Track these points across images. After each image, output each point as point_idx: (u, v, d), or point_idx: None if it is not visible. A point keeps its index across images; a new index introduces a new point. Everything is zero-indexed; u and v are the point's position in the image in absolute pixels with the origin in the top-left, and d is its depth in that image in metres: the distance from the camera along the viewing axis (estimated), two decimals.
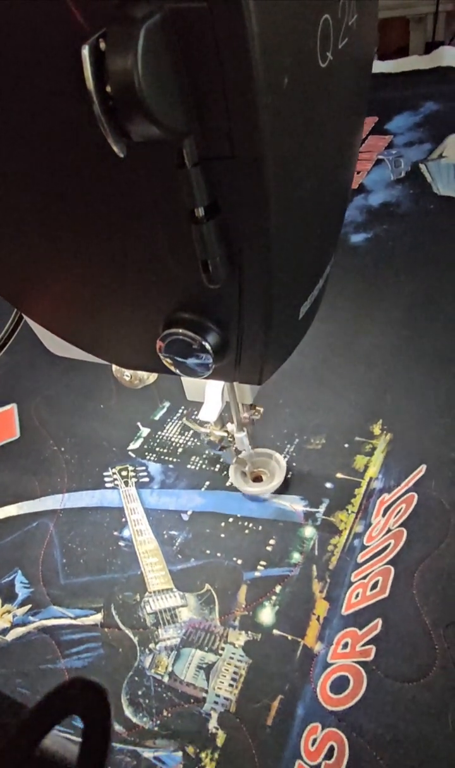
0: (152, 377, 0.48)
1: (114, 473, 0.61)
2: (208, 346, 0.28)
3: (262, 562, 0.51)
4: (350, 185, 0.36)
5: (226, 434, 0.50)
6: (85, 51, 0.17)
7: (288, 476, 0.56)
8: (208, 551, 0.53)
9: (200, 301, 0.27)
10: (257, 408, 0.49)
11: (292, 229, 0.25)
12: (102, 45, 0.17)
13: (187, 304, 0.28)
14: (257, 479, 0.56)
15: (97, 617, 0.50)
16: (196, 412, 0.59)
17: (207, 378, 0.31)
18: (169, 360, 0.30)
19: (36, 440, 0.66)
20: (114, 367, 0.45)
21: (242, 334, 0.28)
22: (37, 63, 0.20)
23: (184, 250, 0.24)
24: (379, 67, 1.21)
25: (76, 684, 0.24)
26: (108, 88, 0.17)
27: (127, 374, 0.46)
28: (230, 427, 0.50)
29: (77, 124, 0.21)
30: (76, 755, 0.23)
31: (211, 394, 0.45)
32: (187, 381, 0.47)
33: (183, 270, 0.25)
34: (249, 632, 0.47)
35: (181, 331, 0.28)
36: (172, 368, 0.30)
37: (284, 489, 0.56)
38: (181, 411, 0.65)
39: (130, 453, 0.62)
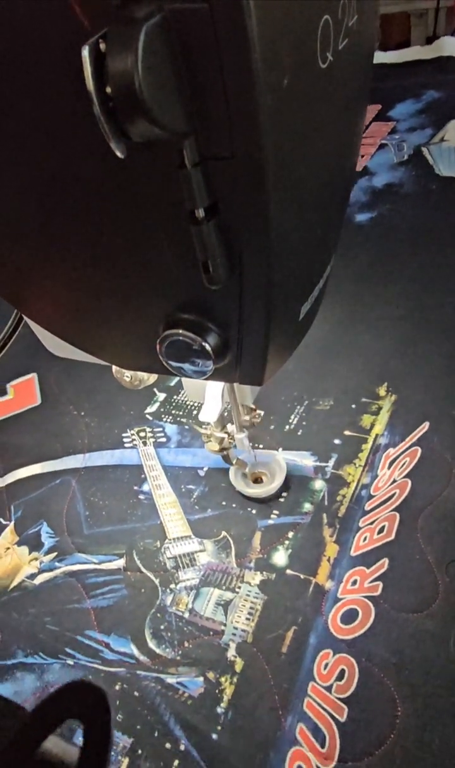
0: (152, 378, 0.47)
1: (132, 434, 0.64)
2: (208, 347, 0.28)
3: (275, 512, 0.54)
4: (351, 185, 0.36)
5: (226, 435, 0.51)
6: (86, 52, 0.17)
7: (298, 434, 0.60)
8: (223, 502, 0.56)
9: (200, 302, 0.27)
10: (257, 411, 0.50)
11: (292, 229, 0.25)
12: (102, 46, 0.17)
13: (187, 304, 0.28)
14: (257, 480, 0.57)
15: (120, 562, 0.54)
16: None
17: (207, 379, 0.31)
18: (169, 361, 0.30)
19: (56, 406, 0.69)
20: (114, 367, 0.45)
21: (242, 335, 0.28)
22: (37, 63, 0.20)
23: (184, 251, 0.24)
24: (382, 57, 1.25)
25: (76, 687, 0.24)
26: (108, 89, 0.17)
27: (127, 375, 0.47)
28: (230, 428, 0.51)
29: (77, 125, 0.21)
30: (76, 758, 0.23)
31: (211, 395, 0.46)
32: (187, 382, 0.48)
33: (183, 271, 0.25)
34: (264, 572, 0.50)
35: (181, 331, 0.28)
36: (172, 369, 0.30)
37: (294, 446, 0.59)
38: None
39: (147, 416, 0.66)
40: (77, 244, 0.27)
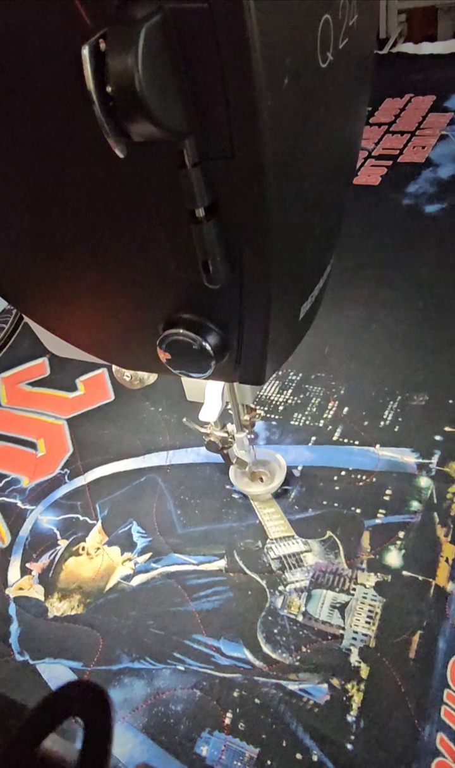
0: (152, 377, 0.47)
1: None
2: (208, 347, 0.28)
3: (382, 511, 0.52)
4: (351, 185, 0.35)
5: (226, 435, 0.50)
6: (86, 51, 0.17)
7: (395, 430, 0.57)
8: (324, 502, 0.54)
9: (200, 302, 0.27)
10: (257, 411, 0.50)
11: (292, 228, 0.25)
12: (102, 45, 0.17)
13: (187, 304, 0.28)
14: (258, 480, 0.56)
15: (221, 563, 0.51)
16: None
17: (207, 378, 0.31)
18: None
19: (131, 401, 0.67)
20: (114, 367, 0.44)
21: (242, 335, 0.28)
22: (38, 63, 0.20)
23: (184, 251, 0.24)
24: (430, 48, 1.23)
25: (76, 686, 0.24)
26: (108, 89, 0.17)
27: (127, 375, 0.46)
28: (230, 427, 0.50)
29: (78, 125, 0.21)
30: (77, 756, 0.23)
31: (211, 395, 0.45)
32: (187, 381, 0.47)
33: (183, 270, 0.25)
34: (379, 574, 0.48)
35: (181, 331, 0.28)
36: (172, 368, 0.30)
37: (392, 442, 0.57)
38: (278, 371, 0.66)
39: (229, 412, 0.63)
40: (77, 243, 0.27)
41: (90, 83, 0.17)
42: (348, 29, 0.23)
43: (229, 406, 0.47)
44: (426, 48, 1.22)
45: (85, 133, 0.21)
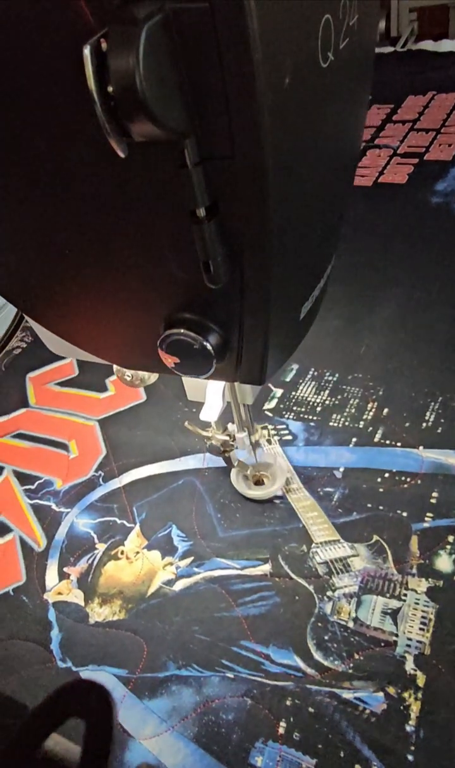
0: (153, 377, 0.47)
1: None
2: (209, 346, 0.28)
3: (429, 514, 0.51)
4: (351, 185, 0.35)
5: (227, 437, 0.50)
6: (87, 51, 0.17)
7: (438, 431, 0.57)
8: (369, 505, 0.53)
9: (201, 301, 0.27)
10: (261, 432, 0.50)
11: (293, 229, 0.25)
12: (104, 45, 0.17)
13: (188, 304, 0.28)
14: (259, 482, 0.56)
15: (265, 567, 0.50)
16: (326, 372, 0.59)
17: (208, 378, 0.30)
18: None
19: (163, 402, 0.66)
20: (115, 366, 0.44)
21: (243, 334, 0.28)
22: (39, 63, 0.20)
23: (184, 250, 0.24)
24: (450, 45, 1.22)
25: (79, 686, 0.25)
26: (109, 88, 0.17)
27: (128, 374, 0.46)
28: (231, 427, 0.50)
29: (79, 125, 0.21)
30: (78, 756, 0.23)
31: (211, 395, 0.45)
32: (187, 381, 0.47)
33: (184, 270, 0.25)
34: (430, 579, 0.47)
35: (182, 331, 0.28)
36: (173, 368, 0.30)
37: (436, 444, 0.56)
38: (312, 372, 0.65)
39: (266, 413, 0.62)
40: (78, 243, 0.27)
41: (91, 83, 0.17)
42: (349, 29, 0.23)
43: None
44: (446, 45, 1.21)
45: (86, 133, 0.21)
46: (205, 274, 0.24)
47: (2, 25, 0.20)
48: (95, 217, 0.25)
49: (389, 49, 1.28)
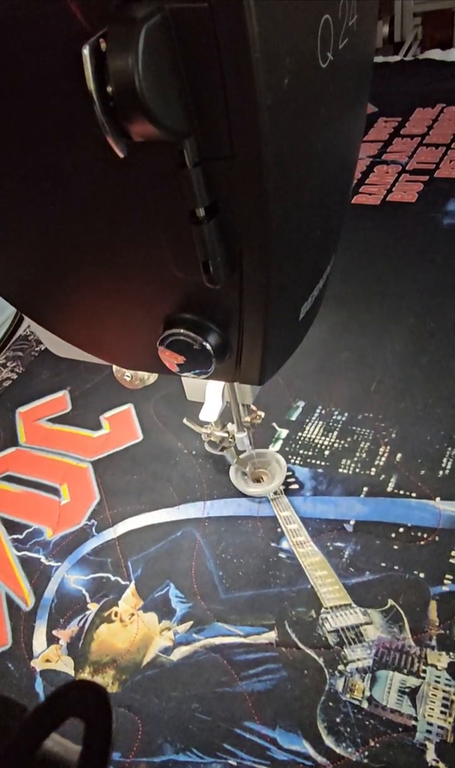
0: (152, 377, 0.47)
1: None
2: (208, 347, 0.28)
3: (449, 576, 0.47)
4: (350, 185, 0.35)
5: (226, 435, 0.50)
6: (86, 51, 0.17)
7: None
8: (382, 564, 0.49)
9: (201, 302, 0.27)
10: (258, 412, 0.49)
11: (292, 229, 0.25)
12: (103, 45, 0.17)
13: (188, 304, 0.28)
14: (257, 480, 0.56)
15: (271, 635, 0.46)
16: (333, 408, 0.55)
17: (207, 378, 0.30)
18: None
19: (161, 443, 0.62)
20: (114, 367, 0.44)
21: (242, 335, 0.28)
22: (38, 63, 0.20)
23: (184, 251, 0.24)
24: None
25: (77, 686, 0.24)
26: (109, 89, 0.17)
27: (127, 374, 0.46)
28: (230, 427, 0.50)
29: (78, 125, 0.21)
30: (77, 757, 0.23)
31: (211, 395, 0.45)
32: (187, 381, 0.47)
33: (183, 270, 0.25)
34: (451, 653, 0.43)
35: (182, 331, 0.28)
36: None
37: (448, 491, 0.52)
38: (319, 410, 0.61)
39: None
40: (77, 243, 0.27)
41: (90, 83, 0.17)
42: (348, 29, 0.23)
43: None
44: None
45: (86, 133, 0.21)
46: (204, 274, 0.24)
47: (2, 25, 0.20)
48: (95, 218, 0.25)
49: (395, 59, 1.24)
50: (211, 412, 0.45)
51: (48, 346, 0.43)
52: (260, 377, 0.31)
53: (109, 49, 0.17)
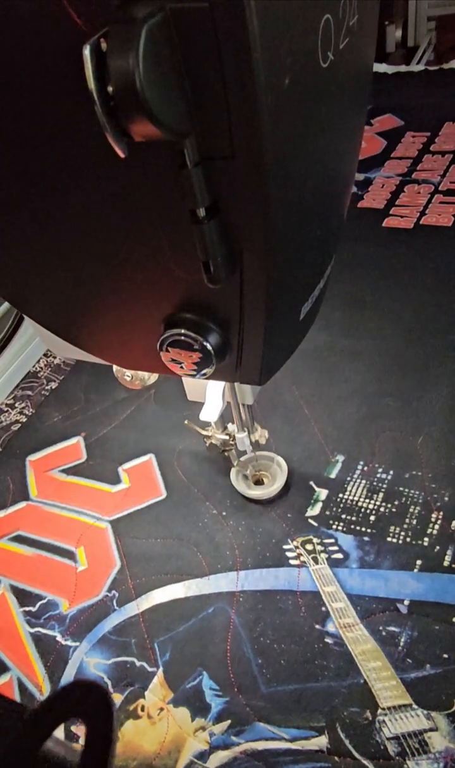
0: (153, 377, 0.48)
1: (297, 546, 0.51)
2: (209, 347, 0.28)
3: None
4: (351, 185, 0.34)
5: (227, 437, 0.50)
6: (87, 51, 0.17)
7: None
8: (445, 655, 0.43)
9: (201, 302, 0.27)
10: (261, 432, 0.50)
11: (293, 229, 0.25)
12: (103, 45, 0.17)
13: (188, 304, 0.28)
14: (258, 482, 0.56)
15: (321, 741, 0.41)
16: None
17: (208, 378, 0.31)
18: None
19: (188, 501, 0.57)
20: (115, 367, 0.45)
21: (243, 335, 0.28)
22: (39, 63, 0.20)
23: (185, 251, 0.24)
24: None
25: (78, 686, 0.24)
26: (109, 89, 0.17)
27: (127, 374, 0.47)
28: (231, 427, 0.50)
29: (79, 125, 0.21)
30: (78, 757, 0.23)
31: (211, 395, 0.45)
32: (187, 381, 0.47)
33: (184, 270, 0.25)
34: None
35: (182, 331, 0.28)
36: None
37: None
38: (360, 467, 0.55)
39: (310, 521, 0.53)
40: (78, 243, 0.27)
41: (91, 83, 0.17)
42: (349, 29, 0.23)
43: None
44: None
45: (86, 133, 0.21)
46: (205, 274, 0.24)
47: (2, 25, 0.19)
48: (95, 217, 0.25)
49: (418, 68, 1.18)
50: (211, 412, 0.45)
51: (49, 347, 0.43)
52: (260, 377, 0.31)
53: (109, 48, 0.17)
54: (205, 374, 0.30)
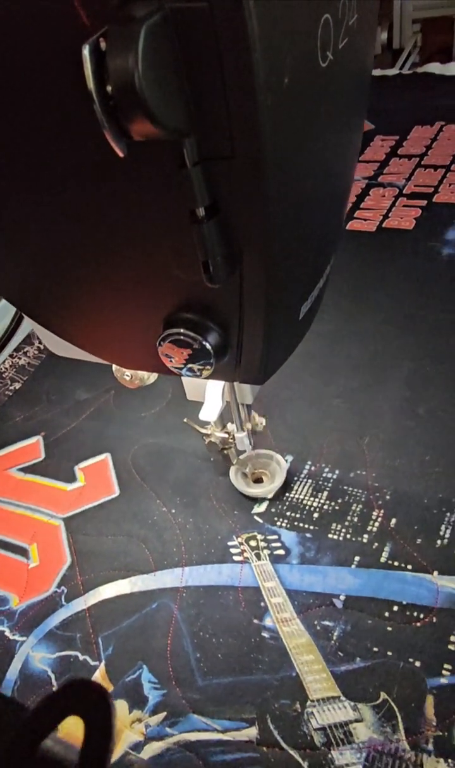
0: (152, 377, 0.48)
1: (241, 542, 0.52)
2: (208, 346, 0.28)
3: (447, 666, 0.43)
4: (350, 185, 0.35)
5: (226, 435, 0.50)
6: (86, 51, 0.17)
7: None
8: (375, 649, 0.44)
9: (201, 301, 0.27)
10: (258, 420, 0.50)
11: (292, 229, 0.25)
12: (103, 44, 0.17)
13: (188, 303, 0.28)
14: (258, 481, 0.56)
15: (251, 732, 0.42)
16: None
17: (207, 378, 0.31)
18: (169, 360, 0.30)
19: (140, 499, 0.58)
20: (114, 366, 0.45)
21: (242, 334, 0.28)
22: (38, 63, 0.20)
23: (184, 250, 0.24)
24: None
25: (76, 685, 0.25)
26: (109, 88, 0.17)
27: (127, 374, 0.47)
28: (230, 427, 0.50)
29: (78, 124, 0.21)
30: (77, 755, 0.23)
31: (211, 394, 0.46)
32: (187, 381, 0.47)
33: (183, 270, 0.25)
34: (450, 761, 0.39)
35: (181, 330, 0.28)
36: (173, 368, 0.31)
37: (446, 564, 0.47)
38: (308, 467, 0.57)
39: (255, 517, 0.54)
40: (77, 243, 0.27)
41: (90, 83, 0.17)
42: (349, 29, 0.23)
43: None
44: (447, 69, 1.13)
45: (86, 132, 0.21)
46: (204, 274, 0.24)
47: (2, 25, 0.20)
48: (95, 217, 0.25)
49: (392, 72, 1.19)
50: (210, 411, 0.45)
51: (48, 346, 0.43)
52: (260, 377, 0.31)
53: (109, 48, 0.17)
54: (190, 369, 0.30)
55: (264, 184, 0.21)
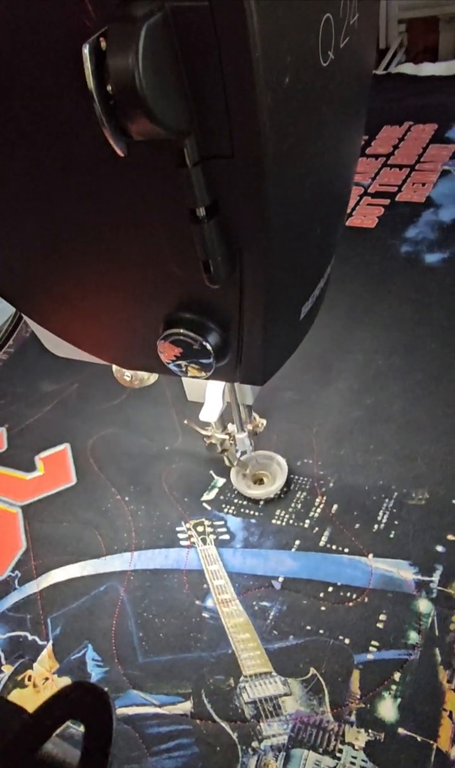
0: (152, 377, 0.48)
1: (189, 528, 0.54)
2: (208, 346, 0.28)
3: (374, 642, 0.45)
4: (351, 185, 0.35)
5: (227, 436, 0.50)
6: (86, 50, 0.17)
7: (391, 536, 0.50)
8: (308, 627, 0.46)
9: (201, 301, 0.27)
10: (259, 421, 0.50)
11: (292, 228, 0.25)
12: (103, 44, 0.17)
13: (188, 303, 0.28)
14: (259, 482, 0.56)
15: (186, 705, 0.44)
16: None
17: (207, 378, 0.31)
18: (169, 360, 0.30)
19: (95, 488, 0.60)
20: (114, 367, 0.45)
21: (243, 334, 0.28)
22: (38, 62, 0.20)
23: (184, 250, 0.24)
24: (431, 69, 1.15)
25: (77, 688, 0.24)
26: (109, 87, 0.17)
27: (127, 374, 0.47)
28: (231, 427, 0.50)
29: (78, 124, 0.21)
30: (77, 759, 0.23)
31: (211, 395, 0.45)
32: (187, 381, 0.47)
33: (183, 270, 0.25)
34: (370, 730, 0.41)
35: (181, 331, 0.28)
36: (173, 368, 0.30)
37: (387, 553, 0.49)
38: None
39: (204, 505, 0.56)
40: (77, 243, 0.27)
41: (90, 82, 0.17)
42: (350, 28, 0.23)
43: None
44: (427, 69, 1.15)
45: (86, 132, 0.21)
46: (204, 273, 0.24)
47: (2, 24, 0.20)
48: (95, 217, 0.25)
49: (379, 72, 1.21)
50: (211, 412, 0.45)
51: (47, 346, 0.43)
52: (261, 377, 0.31)
53: (109, 47, 0.17)
54: (190, 370, 0.30)
55: (264, 184, 0.21)
